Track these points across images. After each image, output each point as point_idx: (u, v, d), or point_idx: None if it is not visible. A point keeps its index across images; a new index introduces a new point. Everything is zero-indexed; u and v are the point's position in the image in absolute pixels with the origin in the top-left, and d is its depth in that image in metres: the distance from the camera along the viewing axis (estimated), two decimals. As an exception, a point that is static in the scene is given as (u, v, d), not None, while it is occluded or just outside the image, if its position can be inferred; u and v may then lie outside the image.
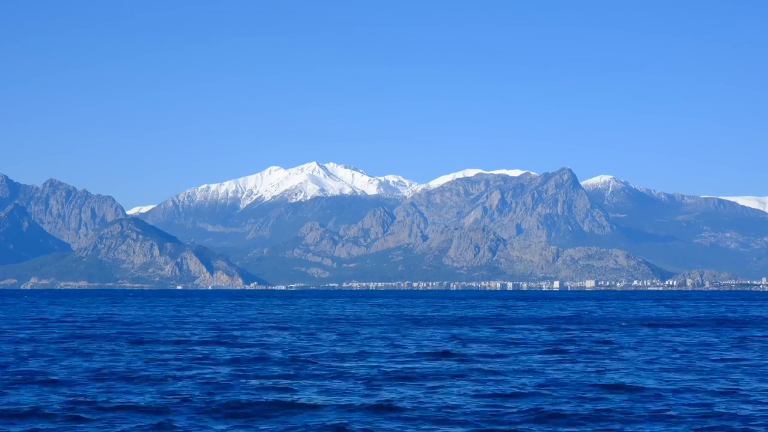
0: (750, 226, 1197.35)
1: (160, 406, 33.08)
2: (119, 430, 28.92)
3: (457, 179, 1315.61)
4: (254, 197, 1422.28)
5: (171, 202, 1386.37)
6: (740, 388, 38.82)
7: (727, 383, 40.29)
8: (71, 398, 35.14)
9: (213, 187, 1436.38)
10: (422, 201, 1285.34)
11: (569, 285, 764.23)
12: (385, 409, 32.46)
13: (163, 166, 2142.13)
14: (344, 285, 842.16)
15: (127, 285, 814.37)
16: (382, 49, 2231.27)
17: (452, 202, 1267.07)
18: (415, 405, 33.28)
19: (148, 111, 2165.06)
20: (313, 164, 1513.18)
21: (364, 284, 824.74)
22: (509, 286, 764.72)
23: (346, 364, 47.25)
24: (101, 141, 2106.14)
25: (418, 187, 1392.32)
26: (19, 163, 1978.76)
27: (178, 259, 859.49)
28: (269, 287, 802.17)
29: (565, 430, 29.20)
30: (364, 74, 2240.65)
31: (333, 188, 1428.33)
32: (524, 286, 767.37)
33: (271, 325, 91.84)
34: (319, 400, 34.43)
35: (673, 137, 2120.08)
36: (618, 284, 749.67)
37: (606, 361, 50.64)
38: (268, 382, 39.63)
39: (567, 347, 60.01)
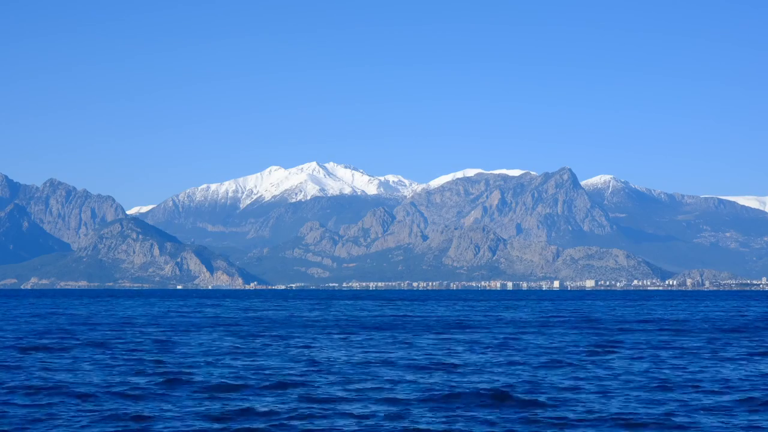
0: (750, 226, 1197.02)
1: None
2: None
3: (457, 179, 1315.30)
4: (254, 197, 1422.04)
5: (171, 202, 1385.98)
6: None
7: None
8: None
9: (213, 187, 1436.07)
10: (422, 201, 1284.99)
11: (569, 285, 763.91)
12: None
13: (163, 166, 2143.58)
14: (344, 285, 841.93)
15: (127, 285, 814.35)
16: (383, 50, 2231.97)
17: (452, 202, 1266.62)
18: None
19: (148, 111, 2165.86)
20: (313, 164, 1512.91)
21: (364, 284, 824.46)
22: (509, 285, 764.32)
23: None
24: (101, 141, 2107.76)
25: (418, 187, 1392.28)
26: (19, 163, 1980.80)
27: (178, 259, 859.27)
28: (269, 287, 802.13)
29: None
30: (364, 74, 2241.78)
31: (333, 188, 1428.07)
32: (524, 285, 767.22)
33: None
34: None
35: (673, 137, 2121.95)
36: (618, 284, 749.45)
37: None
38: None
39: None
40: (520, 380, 41.95)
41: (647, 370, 46.17)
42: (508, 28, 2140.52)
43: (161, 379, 41.67)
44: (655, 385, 40.55)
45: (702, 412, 33.40)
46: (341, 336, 73.35)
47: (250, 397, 36.54)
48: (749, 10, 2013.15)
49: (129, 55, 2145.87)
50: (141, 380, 41.57)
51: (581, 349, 59.99)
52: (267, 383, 40.60)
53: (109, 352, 57.12)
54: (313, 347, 61.13)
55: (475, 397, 36.44)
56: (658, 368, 47.32)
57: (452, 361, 51.06)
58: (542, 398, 36.26)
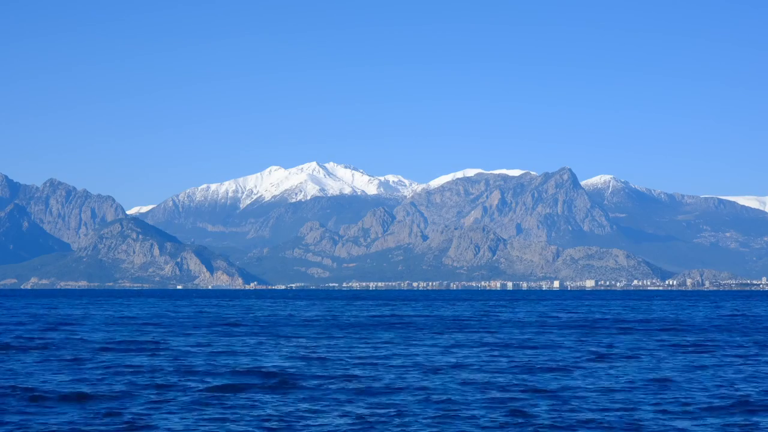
0: (750, 226, 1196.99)
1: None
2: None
3: (457, 179, 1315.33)
4: (254, 197, 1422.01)
5: (171, 202, 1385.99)
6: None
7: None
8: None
9: (213, 187, 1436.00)
10: (422, 201, 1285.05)
11: (569, 285, 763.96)
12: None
13: (163, 166, 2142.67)
14: (344, 285, 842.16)
15: (127, 285, 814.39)
16: (383, 49, 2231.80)
17: (452, 202, 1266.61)
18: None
19: (148, 111, 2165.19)
20: (313, 164, 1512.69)
21: (364, 284, 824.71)
22: (509, 285, 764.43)
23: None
24: (101, 141, 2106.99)
25: (418, 187, 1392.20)
26: (19, 163, 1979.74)
27: (178, 259, 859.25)
28: (269, 287, 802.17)
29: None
30: (364, 74, 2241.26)
31: (333, 188, 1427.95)
32: (524, 285, 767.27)
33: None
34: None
35: (673, 137, 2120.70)
36: (618, 284, 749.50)
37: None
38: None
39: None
40: (513, 382, 41.79)
41: (646, 370, 46.01)
42: (508, 28, 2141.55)
43: (155, 382, 41.47)
44: (654, 386, 40.40)
45: (702, 412, 33.24)
46: (340, 336, 73.24)
47: (248, 397, 36.33)
48: (749, 10, 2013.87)
49: (129, 55, 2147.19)
50: (136, 380, 41.39)
51: (584, 349, 59.83)
52: (262, 383, 40.42)
53: (106, 353, 56.95)
54: (310, 347, 60.98)
55: (469, 399, 36.24)
56: (658, 368, 47.16)
57: (450, 361, 50.87)
58: (535, 400, 36.08)
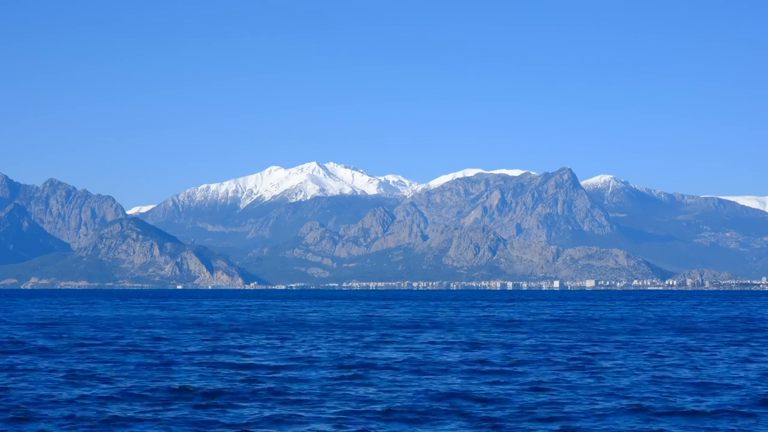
0: (750, 226, 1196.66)
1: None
2: None
3: (457, 179, 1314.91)
4: (254, 197, 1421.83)
5: (171, 202, 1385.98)
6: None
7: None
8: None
9: (213, 187, 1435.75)
10: (422, 201, 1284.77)
11: (569, 285, 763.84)
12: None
13: (163, 166, 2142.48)
14: (344, 285, 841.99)
15: (127, 285, 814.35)
16: (383, 49, 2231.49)
17: (452, 202, 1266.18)
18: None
19: (148, 111, 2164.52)
20: (313, 164, 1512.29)
21: (364, 284, 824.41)
22: (509, 285, 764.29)
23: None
24: (101, 141, 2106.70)
25: (418, 187, 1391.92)
26: (19, 163, 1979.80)
27: (178, 259, 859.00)
28: (269, 287, 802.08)
29: None
30: (364, 74, 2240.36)
31: (333, 188, 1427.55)
32: (524, 285, 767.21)
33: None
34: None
35: (673, 137, 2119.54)
36: (618, 284, 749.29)
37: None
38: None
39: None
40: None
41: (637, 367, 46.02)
42: (508, 28, 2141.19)
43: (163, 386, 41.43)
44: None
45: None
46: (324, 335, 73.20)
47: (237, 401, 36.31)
48: (749, 10, 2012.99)
49: (129, 55, 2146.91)
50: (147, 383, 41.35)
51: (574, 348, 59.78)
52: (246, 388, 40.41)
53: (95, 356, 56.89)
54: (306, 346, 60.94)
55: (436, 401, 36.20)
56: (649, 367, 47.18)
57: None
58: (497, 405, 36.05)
